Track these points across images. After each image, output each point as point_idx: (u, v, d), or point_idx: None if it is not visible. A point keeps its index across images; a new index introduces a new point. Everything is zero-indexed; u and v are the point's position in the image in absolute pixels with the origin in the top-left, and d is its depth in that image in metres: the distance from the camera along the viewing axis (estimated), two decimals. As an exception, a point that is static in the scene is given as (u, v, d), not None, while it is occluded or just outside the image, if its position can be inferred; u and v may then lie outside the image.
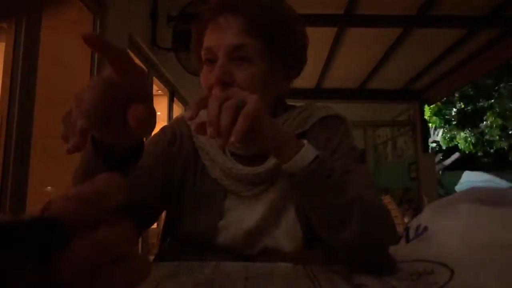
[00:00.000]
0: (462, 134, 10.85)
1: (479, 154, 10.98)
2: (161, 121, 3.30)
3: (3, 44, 1.53)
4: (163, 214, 0.81)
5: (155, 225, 1.92)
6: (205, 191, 0.73)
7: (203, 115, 0.52)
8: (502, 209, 0.51)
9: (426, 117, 7.35)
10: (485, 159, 11.35)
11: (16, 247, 0.17)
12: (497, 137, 10.36)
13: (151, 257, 0.79)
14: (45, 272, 0.18)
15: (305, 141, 0.58)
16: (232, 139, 0.48)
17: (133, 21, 2.52)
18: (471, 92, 10.44)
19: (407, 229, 0.59)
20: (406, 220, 3.58)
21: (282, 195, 0.71)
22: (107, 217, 0.21)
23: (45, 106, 1.63)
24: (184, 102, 3.77)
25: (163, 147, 0.75)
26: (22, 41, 1.50)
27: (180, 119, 0.82)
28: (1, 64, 1.53)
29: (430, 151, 6.41)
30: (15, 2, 1.51)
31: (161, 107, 3.50)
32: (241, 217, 0.71)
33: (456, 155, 11.29)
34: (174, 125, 0.80)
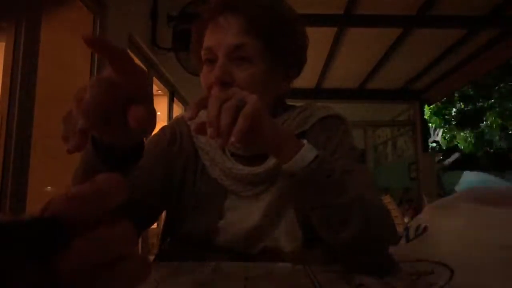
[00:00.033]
0: (462, 134, 10.85)
1: (479, 154, 10.98)
2: (161, 121, 3.30)
3: (3, 44, 1.53)
4: (163, 214, 0.81)
5: (155, 225, 1.92)
6: (205, 191, 0.73)
7: (203, 115, 0.52)
8: (502, 209, 0.51)
9: (426, 117, 7.35)
10: (485, 159, 11.34)
11: (16, 247, 0.17)
12: (497, 137, 10.36)
13: (151, 257, 0.79)
14: (45, 272, 0.18)
15: (305, 141, 0.58)
16: (232, 139, 0.48)
17: (133, 21, 2.52)
18: (471, 92, 10.44)
19: (407, 229, 0.59)
20: (406, 220, 3.58)
21: (282, 195, 0.71)
22: (107, 217, 0.21)
23: (45, 106, 1.63)
24: (184, 102, 3.77)
25: (163, 147, 0.75)
26: (22, 41, 1.50)
27: (180, 119, 0.82)
28: (1, 64, 1.53)
29: (430, 151, 6.40)
30: (15, 3, 1.51)
31: (161, 107, 3.50)
32: (241, 217, 0.71)
33: (456, 155, 11.28)
34: (174, 125, 0.80)
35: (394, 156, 6.68)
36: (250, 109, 0.50)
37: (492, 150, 10.79)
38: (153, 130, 0.43)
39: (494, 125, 10.20)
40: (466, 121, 10.66)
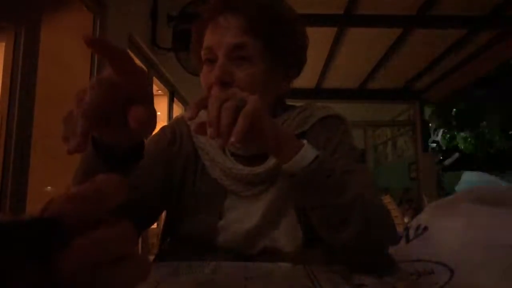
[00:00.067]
0: (462, 134, 10.85)
1: (479, 154, 10.98)
2: (161, 121, 3.30)
3: (3, 44, 1.53)
4: (163, 214, 0.81)
5: (155, 225, 1.92)
6: (205, 191, 0.73)
7: (203, 115, 0.52)
8: (502, 209, 0.51)
9: (427, 117, 7.34)
10: (485, 159, 11.34)
11: (16, 247, 0.17)
12: (497, 137, 10.36)
13: (151, 257, 0.79)
14: (45, 272, 0.18)
15: (304, 141, 0.58)
16: (232, 139, 0.48)
17: (133, 21, 2.52)
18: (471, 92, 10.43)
19: (407, 229, 0.59)
20: (406, 220, 3.58)
21: (282, 195, 0.71)
22: (107, 217, 0.21)
23: (45, 106, 1.63)
24: (184, 102, 3.77)
25: (163, 147, 0.75)
26: (22, 41, 1.50)
27: (180, 119, 0.82)
28: (1, 64, 1.53)
29: (430, 151, 6.40)
30: (15, 5, 1.51)
31: (161, 107, 3.50)
32: (241, 217, 0.71)
33: (456, 155, 11.28)
34: (174, 125, 0.80)
35: (394, 156, 6.68)
36: (250, 109, 0.50)
37: (492, 150, 10.79)
38: (153, 131, 0.43)
39: (494, 125, 10.19)
40: (466, 121, 10.66)
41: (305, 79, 5.02)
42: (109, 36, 2.12)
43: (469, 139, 10.76)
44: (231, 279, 0.54)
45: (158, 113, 0.43)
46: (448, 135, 11.24)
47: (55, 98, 1.74)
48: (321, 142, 0.73)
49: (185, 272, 0.57)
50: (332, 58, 4.51)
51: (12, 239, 0.17)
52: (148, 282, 0.49)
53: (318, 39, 3.75)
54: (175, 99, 3.64)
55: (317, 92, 5.47)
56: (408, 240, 0.57)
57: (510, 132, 10.22)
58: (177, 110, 3.65)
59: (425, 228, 0.55)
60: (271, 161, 0.71)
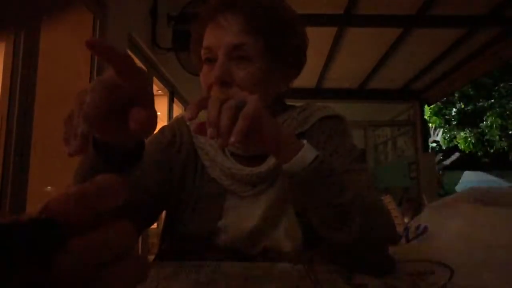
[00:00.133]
0: (462, 134, 10.86)
1: (479, 154, 10.99)
2: (161, 121, 3.30)
3: (3, 44, 1.53)
4: (163, 214, 0.81)
5: (155, 225, 1.92)
6: (204, 191, 0.73)
7: (203, 115, 0.52)
8: (502, 209, 0.51)
9: (426, 117, 7.35)
10: (485, 159, 11.35)
11: (15, 247, 0.17)
12: (497, 137, 10.36)
13: (151, 257, 0.79)
14: (44, 272, 0.18)
15: (304, 141, 0.58)
16: (232, 139, 0.48)
17: (133, 21, 2.52)
18: (471, 92, 10.45)
19: (407, 229, 0.59)
20: (406, 220, 3.58)
21: (281, 195, 0.71)
22: (106, 217, 0.21)
23: (45, 106, 1.63)
24: (184, 102, 3.77)
25: (163, 147, 0.75)
26: (22, 41, 1.50)
27: (179, 119, 0.82)
28: (1, 64, 1.53)
29: (430, 151, 6.41)
30: (16, 5, 1.51)
31: (161, 107, 3.50)
32: (241, 217, 0.71)
33: (456, 155, 11.29)
34: (173, 125, 0.80)
35: (394, 156, 6.68)
36: (250, 109, 0.50)
37: (492, 150, 10.79)
38: (153, 131, 0.43)
39: (494, 125, 10.20)
40: (466, 121, 10.67)
41: (305, 79, 5.02)
42: (109, 36, 2.12)
43: (469, 139, 10.77)
44: (231, 279, 0.54)
45: (158, 113, 0.43)
46: (448, 135, 11.24)
47: (55, 98, 1.74)
48: (321, 142, 0.73)
49: (185, 272, 0.57)
50: (332, 58, 4.51)
51: (11, 239, 0.17)
52: (148, 282, 0.49)
53: (318, 39, 3.75)
54: (175, 99, 3.64)
55: (317, 92, 5.47)
56: (408, 240, 0.57)
57: (510, 132, 10.22)
58: (177, 110, 3.65)
59: (425, 228, 0.55)
60: (271, 161, 0.71)
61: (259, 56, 0.66)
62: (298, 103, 0.81)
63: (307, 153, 0.56)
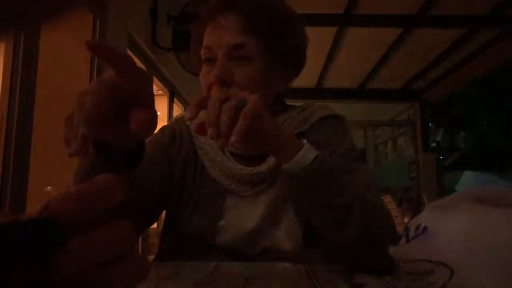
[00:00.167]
0: (462, 134, 10.85)
1: (479, 154, 10.97)
2: (161, 121, 3.29)
3: (3, 44, 1.53)
4: (163, 214, 0.81)
5: (155, 225, 1.92)
6: (204, 191, 0.73)
7: (203, 115, 0.52)
8: (502, 209, 0.51)
9: (426, 117, 7.35)
10: (485, 159, 11.34)
11: (14, 247, 0.17)
12: (497, 137, 10.36)
13: (151, 257, 0.79)
14: (44, 272, 0.18)
15: (304, 141, 0.58)
16: (232, 139, 0.48)
17: (133, 21, 2.52)
18: (471, 92, 10.43)
19: (407, 229, 0.59)
20: (406, 220, 3.58)
21: (281, 195, 0.71)
22: (106, 217, 0.21)
23: (45, 106, 1.63)
24: (184, 102, 3.77)
25: (163, 147, 0.75)
26: (22, 41, 1.50)
27: (179, 119, 0.82)
28: (1, 64, 1.53)
29: (430, 151, 6.40)
30: (16, 11, 1.51)
31: (161, 107, 3.50)
32: (241, 217, 0.71)
33: (456, 155, 11.28)
34: (173, 125, 0.80)
35: (394, 155, 6.68)
36: (250, 109, 0.50)
37: (492, 150, 10.78)
38: (154, 131, 0.43)
39: (494, 125, 10.20)
40: (466, 121, 10.67)
41: (305, 79, 5.01)
42: (109, 36, 2.12)
43: (469, 139, 10.76)
44: (231, 279, 0.54)
45: (158, 113, 0.43)
46: (448, 135, 11.24)
47: (55, 98, 1.74)
48: (321, 142, 0.73)
49: (185, 272, 0.57)
50: (332, 58, 4.51)
51: (11, 239, 0.17)
52: (148, 282, 0.49)
53: (318, 39, 3.74)
54: (175, 99, 3.64)
55: (317, 92, 5.47)
56: (408, 240, 0.57)
57: (510, 132, 10.23)
58: (177, 110, 3.65)
59: (425, 228, 0.55)
60: (271, 161, 0.71)
61: (259, 56, 0.66)
62: (298, 103, 0.81)
63: (307, 153, 0.56)
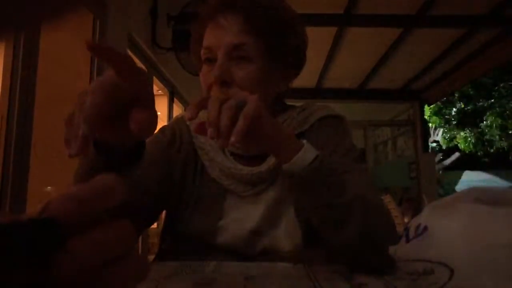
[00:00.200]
0: (462, 134, 10.86)
1: (479, 154, 10.99)
2: (161, 121, 3.29)
3: (3, 44, 1.53)
4: (163, 214, 0.81)
5: (155, 225, 1.92)
6: (204, 191, 0.73)
7: (203, 115, 0.52)
8: (502, 209, 0.51)
9: (426, 117, 7.35)
10: (485, 159, 11.35)
11: (14, 248, 0.17)
12: (497, 137, 10.36)
13: (151, 257, 0.79)
14: (43, 273, 0.18)
15: (304, 141, 0.58)
16: (232, 139, 0.48)
17: (133, 21, 2.51)
18: (471, 92, 10.45)
19: (407, 229, 0.59)
20: (406, 220, 3.58)
21: (281, 195, 0.71)
22: (105, 217, 0.21)
23: (45, 106, 1.63)
24: (184, 102, 3.77)
25: (163, 147, 0.75)
26: (22, 41, 1.50)
27: (179, 119, 0.82)
28: (1, 64, 1.53)
29: (430, 151, 6.40)
30: (16, 12, 1.51)
31: (161, 107, 3.50)
32: (241, 217, 0.71)
33: (456, 155, 11.28)
34: (173, 125, 0.80)
35: (394, 155, 6.68)
36: (250, 109, 0.50)
37: (492, 150, 10.79)
38: (154, 131, 0.43)
39: (494, 125, 10.20)
40: (466, 121, 10.67)
41: (305, 79, 5.01)
42: (109, 36, 2.12)
43: (469, 139, 10.77)
44: (231, 279, 0.54)
45: (158, 113, 0.43)
46: (448, 135, 11.24)
47: (55, 98, 1.74)
48: (320, 142, 0.73)
49: (185, 272, 0.57)
50: (332, 58, 4.51)
51: (11, 239, 0.17)
52: (148, 282, 0.49)
53: (318, 39, 3.74)
54: (175, 99, 3.64)
55: (317, 92, 5.47)
56: (408, 240, 0.57)
57: (510, 132, 10.23)
58: (177, 110, 3.65)
59: (425, 228, 0.55)
60: (271, 161, 0.71)
61: (259, 56, 0.66)
62: (298, 103, 0.81)
63: (307, 153, 0.56)
